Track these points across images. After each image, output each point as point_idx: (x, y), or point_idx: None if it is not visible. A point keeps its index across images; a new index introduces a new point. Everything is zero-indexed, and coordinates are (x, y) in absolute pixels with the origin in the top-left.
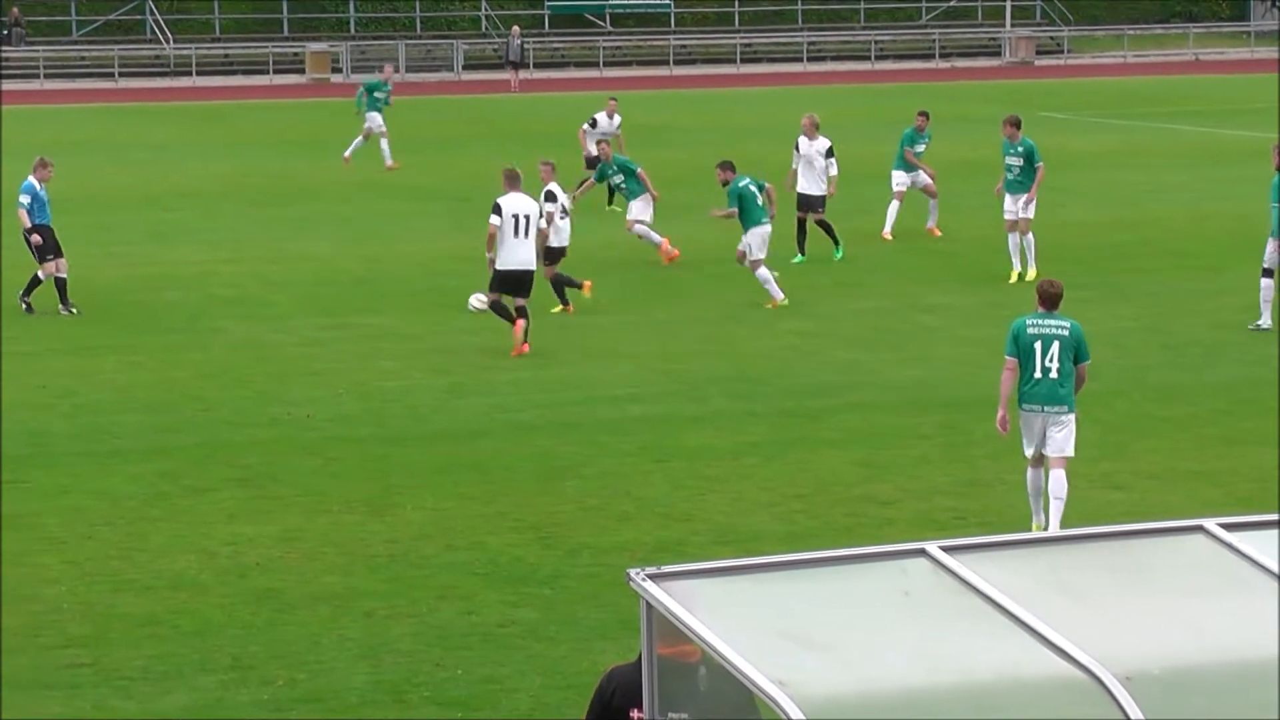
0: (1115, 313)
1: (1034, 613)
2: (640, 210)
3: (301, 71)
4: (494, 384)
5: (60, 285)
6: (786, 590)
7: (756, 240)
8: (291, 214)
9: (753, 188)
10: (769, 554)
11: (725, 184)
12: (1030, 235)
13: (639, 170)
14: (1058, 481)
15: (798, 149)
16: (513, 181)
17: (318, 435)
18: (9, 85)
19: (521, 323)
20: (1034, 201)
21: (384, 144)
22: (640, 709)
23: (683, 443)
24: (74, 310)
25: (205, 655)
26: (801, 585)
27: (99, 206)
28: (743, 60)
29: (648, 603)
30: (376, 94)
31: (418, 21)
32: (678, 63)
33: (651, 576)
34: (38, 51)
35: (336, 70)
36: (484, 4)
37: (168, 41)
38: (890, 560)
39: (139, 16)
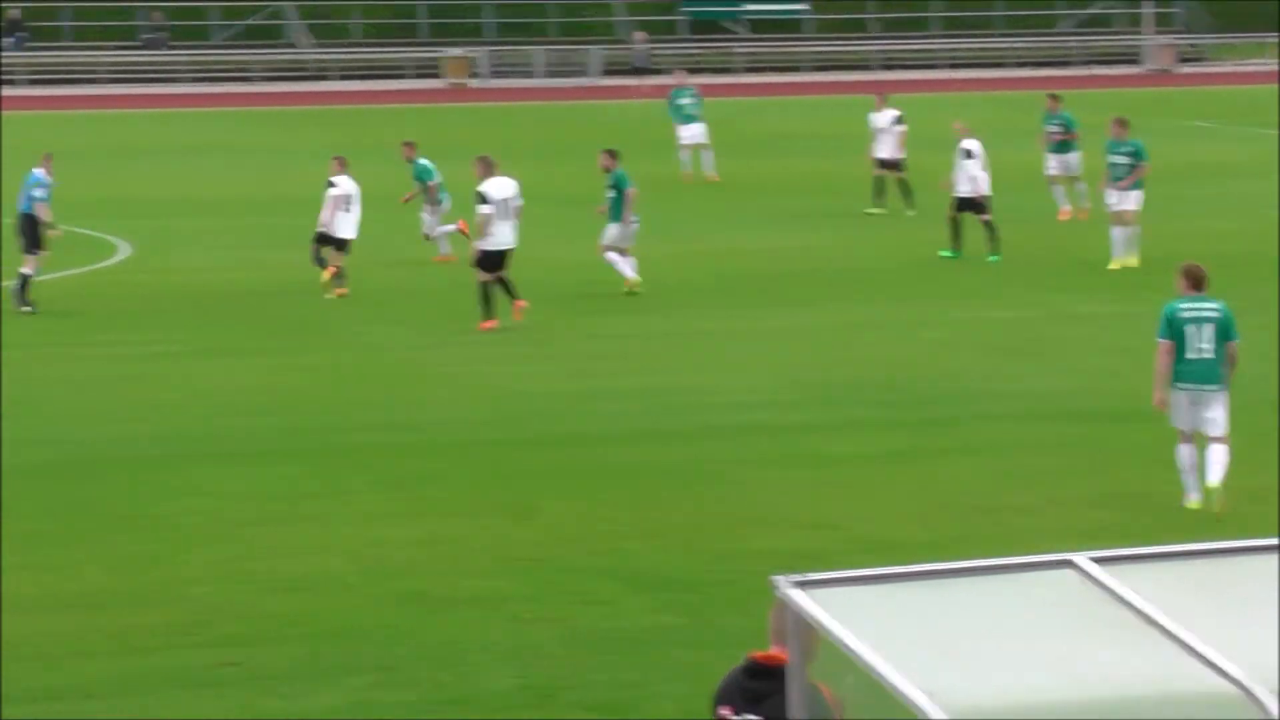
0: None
1: (1184, 625)
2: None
3: (439, 76)
4: (633, 389)
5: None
6: (931, 599)
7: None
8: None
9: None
10: (912, 563)
11: (607, 170)
12: (1137, 226)
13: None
14: (1219, 456)
15: (970, 153)
16: (489, 168)
17: (458, 439)
18: (152, 89)
19: (521, 303)
20: (1137, 192)
21: (691, 154)
22: (727, 707)
23: (824, 450)
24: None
25: (352, 656)
26: (946, 594)
27: (236, 209)
28: (881, 67)
29: (793, 610)
30: (680, 102)
31: (555, 27)
32: (814, 69)
33: (798, 584)
34: (179, 55)
35: (474, 75)
36: (620, 10)
37: (307, 47)
38: (1037, 570)
39: (279, 21)
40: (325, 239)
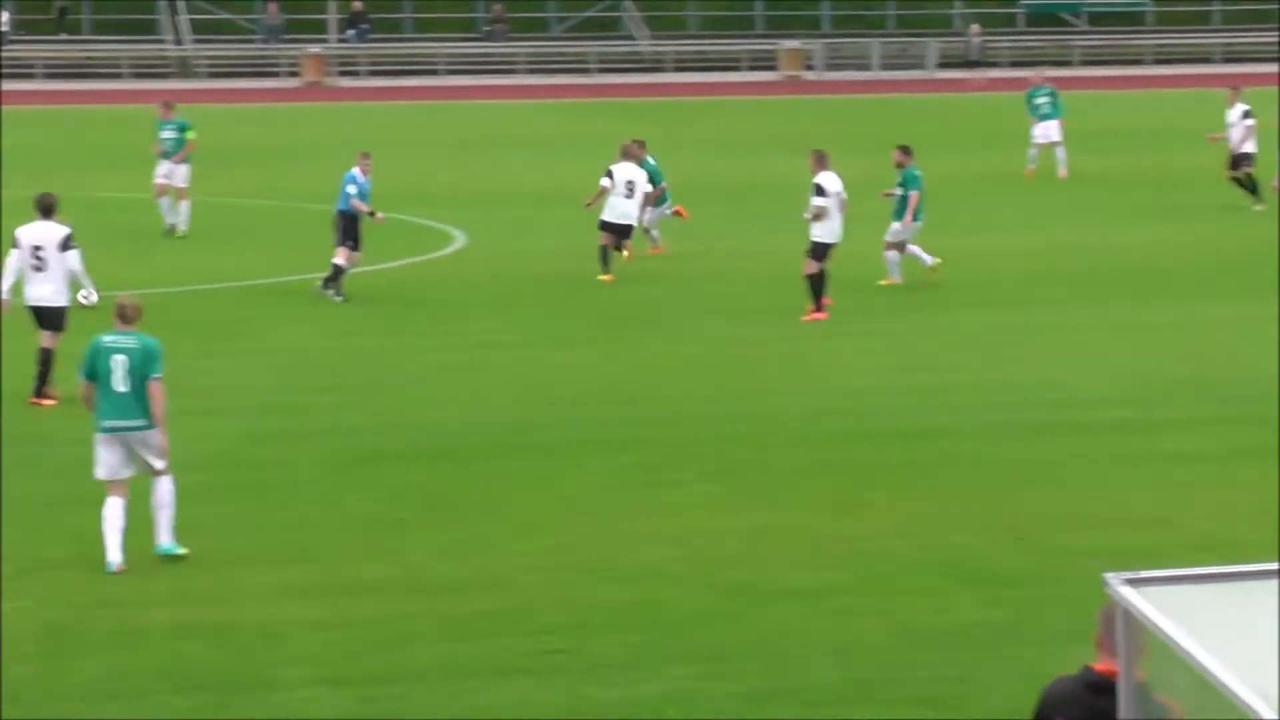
0: None
1: None
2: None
3: (774, 69)
4: (968, 384)
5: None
6: (1267, 599)
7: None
8: (761, 211)
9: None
10: (1247, 562)
11: (900, 166)
12: None
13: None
14: None
15: None
16: (823, 161)
17: (791, 431)
18: (485, 80)
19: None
20: None
21: (1039, 151)
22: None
23: (1160, 447)
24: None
25: (680, 646)
26: None
27: (563, 201)
28: (1224, 60)
29: (1125, 608)
30: (1037, 100)
31: (891, 19)
32: (1155, 62)
33: (1130, 581)
34: (517, 47)
35: (809, 68)
36: (957, 2)
37: (643, 38)
38: None
39: (615, 14)
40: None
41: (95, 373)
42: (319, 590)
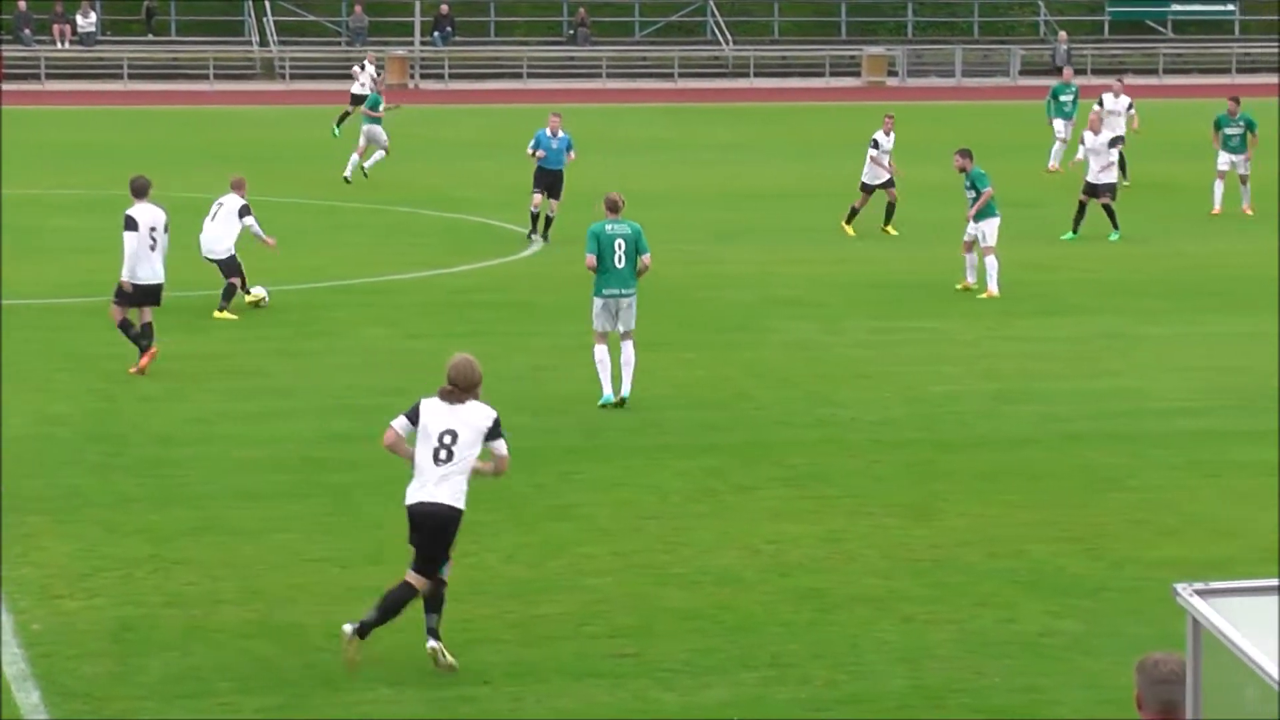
0: None
1: None
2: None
3: (858, 74)
4: (1042, 392)
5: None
6: None
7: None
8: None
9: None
10: None
11: (963, 170)
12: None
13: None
14: None
15: None
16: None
17: (863, 438)
18: (569, 84)
19: None
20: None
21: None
22: None
23: (1234, 457)
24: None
25: (746, 651)
26: None
27: (668, 204)
28: None
29: (1194, 619)
30: (1061, 98)
31: (975, 26)
32: (1240, 70)
33: (1199, 592)
34: (601, 51)
35: (892, 74)
36: (1042, 9)
37: (727, 43)
38: None
39: (700, 18)
40: None
41: (600, 252)
42: None
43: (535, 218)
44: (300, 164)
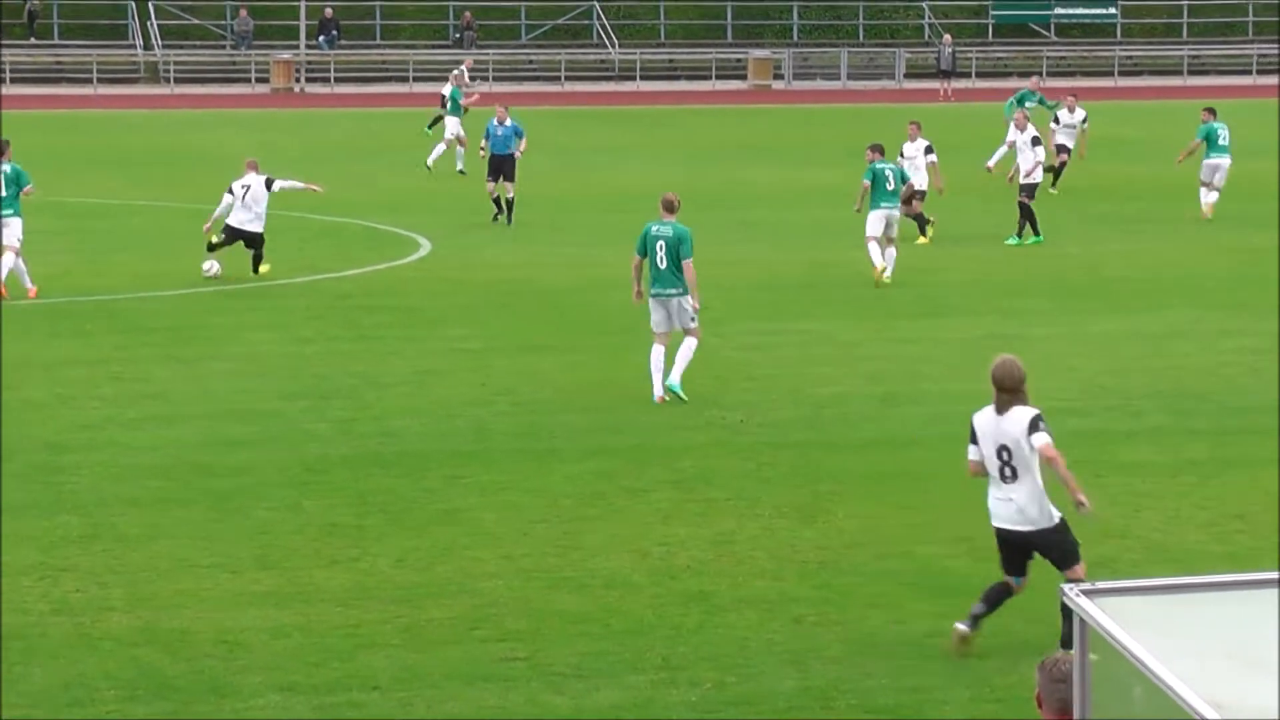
0: None
1: None
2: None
3: (744, 78)
4: (928, 394)
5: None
6: (1225, 612)
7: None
8: (735, 218)
9: (888, 171)
10: (1206, 574)
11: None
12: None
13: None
14: None
15: None
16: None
17: (752, 440)
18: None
19: None
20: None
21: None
22: None
23: (1118, 458)
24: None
25: (636, 654)
26: (1241, 608)
27: (549, 207)
28: (1190, 73)
29: (1081, 620)
30: (1027, 105)
31: (861, 29)
32: (1122, 74)
33: (1085, 592)
34: (488, 54)
35: (778, 77)
36: (927, 12)
37: (614, 46)
38: None
39: (586, 22)
40: None
41: (645, 251)
42: (277, 597)
43: (496, 201)
44: (184, 168)
